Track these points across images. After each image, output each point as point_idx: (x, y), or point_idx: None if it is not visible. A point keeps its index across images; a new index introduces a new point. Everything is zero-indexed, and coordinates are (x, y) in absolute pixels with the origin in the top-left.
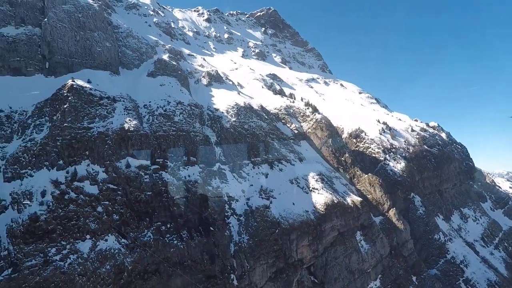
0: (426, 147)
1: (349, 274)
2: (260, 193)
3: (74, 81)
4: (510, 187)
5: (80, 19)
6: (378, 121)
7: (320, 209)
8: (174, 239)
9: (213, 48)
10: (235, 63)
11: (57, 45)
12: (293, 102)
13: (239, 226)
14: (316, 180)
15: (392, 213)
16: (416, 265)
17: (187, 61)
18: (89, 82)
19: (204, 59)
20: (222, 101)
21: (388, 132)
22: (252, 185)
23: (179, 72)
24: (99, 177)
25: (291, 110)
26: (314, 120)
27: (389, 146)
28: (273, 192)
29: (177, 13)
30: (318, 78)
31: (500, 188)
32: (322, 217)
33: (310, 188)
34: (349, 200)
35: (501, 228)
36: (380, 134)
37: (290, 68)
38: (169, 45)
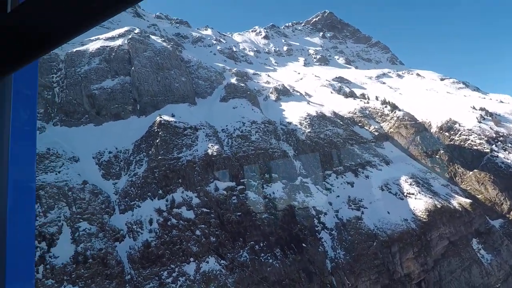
0: None
1: None
2: (349, 204)
3: (161, 117)
4: None
5: (159, 61)
6: (474, 108)
7: (422, 216)
8: (269, 257)
9: (275, 62)
10: (299, 73)
11: (143, 88)
12: (367, 102)
13: (332, 241)
14: (410, 184)
15: None
16: None
17: (253, 80)
18: (173, 116)
19: (268, 75)
20: (293, 113)
21: (490, 118)
22: (338, 196)
23: (248, 92)
24: (193, 202)
25: (367, 111)
26: (395, 118)
27: (494, 135)
28: (362, 201)
29: (237, 37)
30: (390, 72)
31: None
32: (426, 225)
33: (405, 194)
34: (455, 203)
35: None
36: (479, 122)
37: (356, 68)
38: (235, 69)
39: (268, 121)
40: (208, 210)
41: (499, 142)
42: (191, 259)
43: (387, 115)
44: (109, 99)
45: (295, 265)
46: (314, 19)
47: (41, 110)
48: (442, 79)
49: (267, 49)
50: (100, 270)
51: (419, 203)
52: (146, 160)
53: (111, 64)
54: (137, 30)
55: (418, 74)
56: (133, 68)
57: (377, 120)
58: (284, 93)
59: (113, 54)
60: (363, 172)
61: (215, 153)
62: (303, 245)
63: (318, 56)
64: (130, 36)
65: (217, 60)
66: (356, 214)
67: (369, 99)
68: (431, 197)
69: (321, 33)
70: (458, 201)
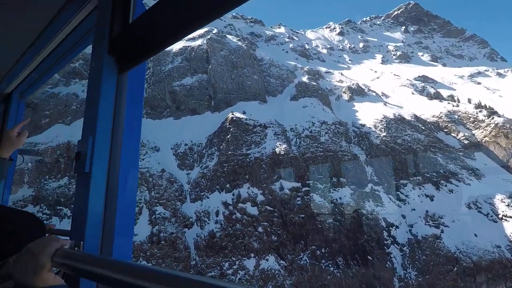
0: None
1: None
2: (426, 220)
3: (233, 114)
4: None
5: (233, 60)
6: None
7: None
8: (330, 265)
9: (349, 60)
10: (375, 71)
11: (218, 85)
12: (457, 105)
13: (403, 258)
14: (508, 205)
15: None
16: None
17: (325, 79)
18: (244, 113)
19: (341, 74)
20: (368, 115)
21: None
22: (414, 209)
23: (320, 91)
24: (258, 199)
25: (456, 116)
26: (492, 125)
27: None
28: (443, 218)
29: (310, 34)
30: (487, 71)
31: None
32: None
33: (500, 216)
34: None
35: None
36: None
37: (444, 65)
38: (307, 67)
39: (339, 122)
40: (272, 209)
41: None
42: (252, 254)
43: (482, 121)
44: (187, 95)
45: (358, 278)
46: (396, 12)
47: None
48: None
49: (341, 46)
50: (170, 252)
51: None
52: (217, 154)
53: (191, 63)
54: (215, 31)
55: None
56: (210, 66)
57: (468, 126)
58: (358, 92)
59: (193, 53)
60: (446, 185)
61: (282, 152)
62: (369, 257)
63: (398, 53)
64: (208, 37)
65: (289, 58)
66: (435, 232)
67: (459, 102)
68: None
69: (404, 27)
70: None
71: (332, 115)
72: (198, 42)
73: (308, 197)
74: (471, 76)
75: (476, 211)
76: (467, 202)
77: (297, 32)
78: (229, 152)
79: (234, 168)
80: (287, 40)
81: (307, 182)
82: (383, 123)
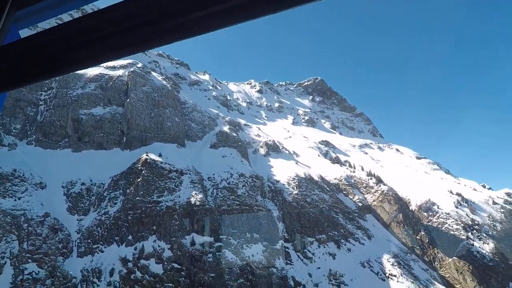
0: None
1: None
2: (330, 278)
3: (148, 155)
4: None
5: (156, 98)
6: (451, 192)
7: None
8: None
9: (265, 116)
10: (288, 131)
11: (135, 122)
12: (354, 171)
13: None
14: (392, 264)
15: None
16: None
17: (245, 131)
18: (160, 155)
19: (259, 128)
20: (282, 171)
21: (466, 205)
22: (319, 267)
23: (239, 143)
24: (165, 255)
25: (352, 180)
26: (379, 191)
27: (470, 222)
28: (343, 277)
29: (232, 86)
30: (371, 144)
31: None
32: None
33: (387, 275)
34: None
35: None
36: (456, 207)
37: (340, 134)
38: (229, 117)
39: (256, 176)
40: (179, 267)
41: (475, 231)
42: None
43: (372, 187)
44: (95, 126)
45: None
46: (306, 83)
47: (18, 126)
48: (418, 158)
49: (259, 103)
50: None
51: (401, 287)
52: (122, 199)
53: (107, 92)
54: (139, 64)
55: (397, 150)
56: (128, 100)
57: (361, 190)
58: (274, 149)
59: (111, 83)
60: (345, 245)
61: (197, 203)
62: None
63: (306, 117)
64: (132, 69)
65: (210, 105)
66: None
67: (355, 168)
68: (412, 282)
69: (311, 96)
70: None
71: (249, 168)
72: (119, 72)
73: (220, 253)
74: (361, 146)
75: (369, 270)
76: (362, 261)
77: (221, 82)
78: (137, 198)
79: (140, 217)
80: (210, 88)
81: (220, 236)
82: (295, 181)
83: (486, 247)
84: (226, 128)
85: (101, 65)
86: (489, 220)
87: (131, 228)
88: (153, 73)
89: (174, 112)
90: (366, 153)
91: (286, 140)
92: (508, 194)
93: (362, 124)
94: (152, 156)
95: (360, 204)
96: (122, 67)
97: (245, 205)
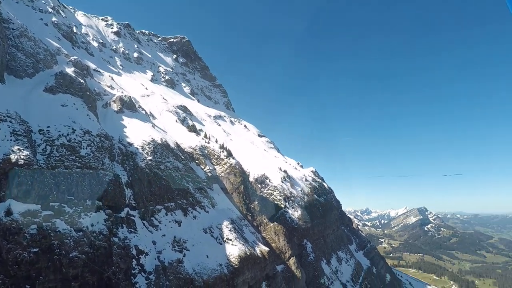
0: (316, 196)
1: None
2: (174, 245)
3: None
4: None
5: None
6: (280, 169)
7: (234, 262)
8: None
9: (120, 65)
10: (147, 88)
11: None
12: (208, 142)
13: (147, 287)
14: (230, 230)
15: (292, 261)
16: None
17: (94, 78)
18: None
19: (112, 79)
20: (136, 134)
21: (288, 180)
22: (164, 235)
23: (87, 92)
24: None
25: (206, 151)
26: (228, 164)
27: (289, 194)
28: (186, 243)
29: (81, 17)
30: (225, 116)
31: (362, 232)
32: (235, 271)
33: (224, 239)
34: (258, 250)
35: (363, 268)
36: (282, 182)
37: (198, 101)
38: (75, 57)
39: (105, 135)
40: None
41: (291, 201)
42: None
43: (222, 159)
44: None
45: None
46: (172, 39)
47: None
48: (260, 135)
49: (115, 47)
50: None
51: (234, 250)
52: None
53: None
54: None
55: (245, 126)
56: None
57: (212, 161)
58: (130, 107)
59: None
60: (192, 212)
61: (21, 161)
62: None
63: (167, 77)
64: None
65: (47, 34)
66: (178, 257)
67: (210, 140)
68: (243, 244)
69: (175, 55)
70: (260, 248)
71: (97, 125)
72: None
73: (49, 223)
74: (215, 117)
75: (210, 235)
76: (205, 227)
77: (65, 7)
78: None
79: None
80: (50, 10)
81: (51, 204)
82: (151, 146)
83: (296, 214)
84: (70, 70)
85: None
86: (301, 193)
87: None
88: None
89: None
90: (220, 125)
91: (144, 99)
92: (313, 172)
93: (219, 96)
94: None
95: (209, 175)
96: None
97: (89, 168)
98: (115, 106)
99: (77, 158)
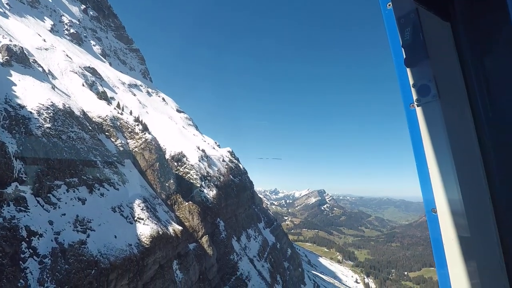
0: (231, 176)
1: None
2: (75, 225)
3: None
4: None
5: None
6: (198, 148)
7: (146, 242)
8: None
9: (7, 4)
10: (45, 40)
11: None
12: (121, 113)
13: (41, 272)
14: (142, 209)
15: (204, 240)
16: (217, 286)
17: None
18: None
19: None
20: (30, 95)
21: (206, 160)
22: (64, 214)
23: None
24: None
25: (118, 123)
26: (143, 139)
27: (205, 174)
28: (91, 222)
29: None
30: (141, 86)
31: (270, 212)
32: (146, 251)
33: (135, 218)
34: (171, 229)
35: (269, 244)
36: (199, 161)
37: (110, 64)
38: None
39: None
40: None
41: (207, 181)
42: None
43: (137, 134)
44: None
45: None
46: None
47: None
48: (178, 111)
49: None
50: None
51: (146, 229)
52: None
53: None
54: None
55: (163, 99)
56: None
57: (125, 135)
58: (21, 60)
59: None
60: (99, 189)
61: None
62: None
63: (72, 30)
64: None
65: None
66: (81, 238)
67: (123, 110)
68: (156, 223)
69: (84, 6)
70: (173, 227)
71: None
72: None
73: None
74: (130, 86)
75: (119, 214)
76: (114, 206)
77: None
78: None
79: None
80: None
81: None
82: (50, 112)
83: (211, 193)
84: None
85: None
86: (218, 173)
87: None
88: None
89: None
90: (135, 95)
91: (40, 52)
92: (229, 152)
93: (136, 61)
94: None
95: (121, 149)
96: None
97: None
98: (0, 57)
99: None
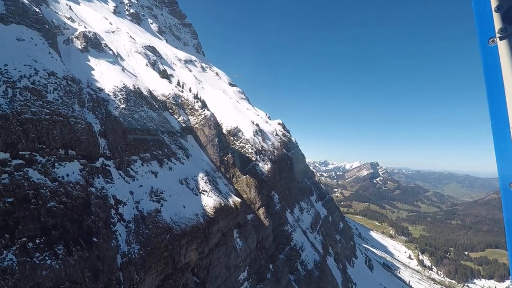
0: (285, 150)
1: (227, 270)
2: (151, 195)
3: None
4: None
5: None
6: (252, 123)
7: (210, 212)
8: (47, 257)
9: None
10: (111, 23)
11: None
12: (182, 91)
13: (127, 234)
14: (205, 182)
15: (261, 211)
16: (273, 254)
17: (50, 7)
18: None
19: (70, 8)
20: (106, 78)
21: (260, 134)
22: (141, 185)
23: (45, 25)
24: None
25: (180, 100)
26: (203, 116)
27: (260, 148)
28: (163, 193)
29: None
30: (196, 61)
31: (322, 185)
32: (211, 220)
33: (200, 190)
34: (231, 201)
35: (321, 216)
36: (254, 135)
37: (167, 41)
38: None
39: (72, 78)
40: None
41: (262, 155)
42: None
43: (197, 110)
44: None
45: (80, 264)
46: None
47: None
48: (231, 84)
49: None
50: None
51: (210, 201)
52: None
53: None
54: None
55: (217, 73)
56: None
57: (186, 112)
58: (95, 45)
59: None
60: (168, 164)
61: None
62: (94, 239)
63: (131, 10)
64: None
65: None
66: (156, 207)
67: (183, 88)
68: (218, 195)
69: None
70: (233, 199)
71: (62, 65)
72: None
73: (21, 173)
74: (186, 62)
75: (186, 187)
76: (181, 178)
77: None
78: None
79: None
80: None
81: (21, 153)
82: (123, 93)
83: (265, 167)
84: None
85: None
86: (271, 147)
87: None
88: None
89: None
90: (191, 71)
91: (109, 36)
92: (280, 125)
93: (189, 36)
94: None
95: (183, 125)
96: None
97: (59, 115)
98: (78, 44)
99: (45, 104)
